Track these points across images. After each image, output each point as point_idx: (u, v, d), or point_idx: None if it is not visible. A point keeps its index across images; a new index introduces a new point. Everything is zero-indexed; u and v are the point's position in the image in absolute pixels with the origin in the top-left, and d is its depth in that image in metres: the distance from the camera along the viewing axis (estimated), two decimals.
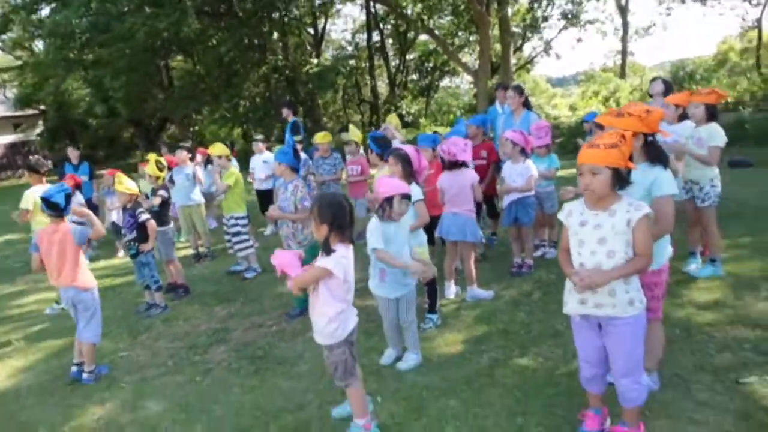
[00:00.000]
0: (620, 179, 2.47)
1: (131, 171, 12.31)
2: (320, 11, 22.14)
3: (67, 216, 4.02)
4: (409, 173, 4.11)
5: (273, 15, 17.17)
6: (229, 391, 3.68)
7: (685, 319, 3.94)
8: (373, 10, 23.24)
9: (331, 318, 2.83)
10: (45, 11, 16.32)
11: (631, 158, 2.55)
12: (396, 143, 6.36)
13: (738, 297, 4.22)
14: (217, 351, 4.35)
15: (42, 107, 29.01)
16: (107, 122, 27.68)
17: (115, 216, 8.02)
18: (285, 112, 9.29)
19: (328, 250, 2.77)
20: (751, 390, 3.00)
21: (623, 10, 20.24)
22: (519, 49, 23.57)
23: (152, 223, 5.15)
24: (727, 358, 3.36)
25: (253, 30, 17.24)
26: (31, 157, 5.92)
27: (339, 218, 2.80)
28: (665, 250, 2.92)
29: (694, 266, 4.85)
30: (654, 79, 6.21)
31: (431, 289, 4.32)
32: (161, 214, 5.74)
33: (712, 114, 4.49)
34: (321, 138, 6.85)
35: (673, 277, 4.70)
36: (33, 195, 5.53)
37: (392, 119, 7.71)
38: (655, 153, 2.86)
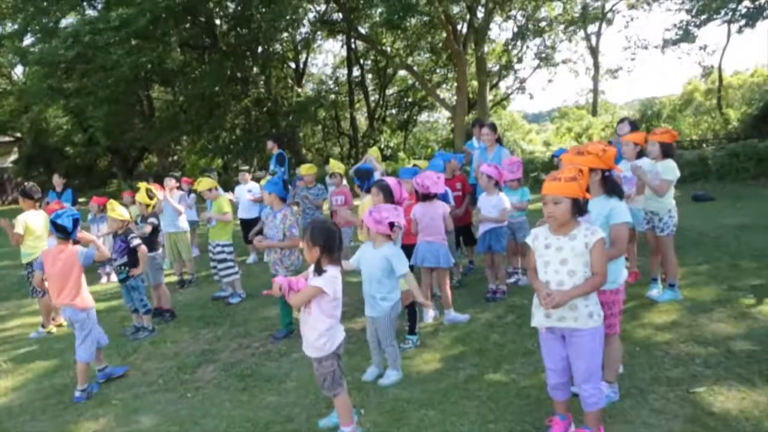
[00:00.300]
0: (578, 208, 2.85)
1: (114, 199, 12.38)
2: (302, 46, 22.78)
3: (73, 239, 4.25)
4: (390, 203, 4.46)
5: (256, 49, 17.64)
6: (219, 405, 3.89)
7: (645, 338, 4.30)
8: (353, 46, 24.02)
9: (321, 333, 3.12)
10: (28, 40, 16.62)
11: (588, 190, 2.95)
12: (377, 175, 6.76)
13: (693, 318, 4.61)
14: (206, 370, 4.56)
15: (18, 135, 28.90)
16: (85, 151, 27.66)
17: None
18: (270, 144, 9.67)
19: (320, 271, 3.07)
20: (699, 398, 3.35)
21: (594, 51, 21.32)
22: (495, 86, 24.46)
23: (143, 249, 5.37)
24: (680, 371, 3.71)
25: (235, 63, 17.71)
26: (25, 184, 6.16)
27: (330, 241, 3.12)
28: (621, 272, 3.29)
29: (655, 291, 5.24)
30: (621, 121, 6.79)
31: (411, 312, 4.63)
32: (151, 240, 5.96)
33: (666, 151, 4.96)
34: (306, 170, 7.18)
35: (637, 301, 5.13)
36: (25, 219, 5.75)
37: (374, 152, 8.10)
38: (610, 186, 3.25)
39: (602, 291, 3.06)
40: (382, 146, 24.61)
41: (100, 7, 17.62)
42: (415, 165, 6.82)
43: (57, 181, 9.14)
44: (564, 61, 23.66)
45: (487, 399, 3.58)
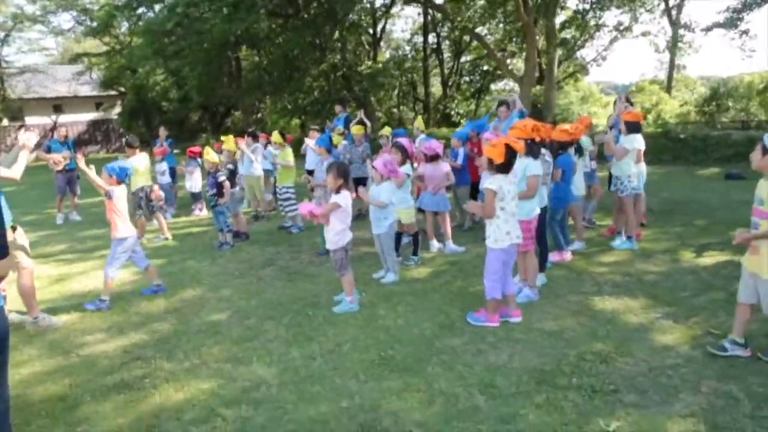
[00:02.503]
0: (491, 164, 4.49)
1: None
2: (380, 14, 24.40)
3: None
4: (405, 158, 6.27)
5: (335, 18, 19.54)
6: (273, 287, 5.95)
7: (584, 269, 5.91)
8: (430, 15, 25.30)
9: (336, 232, 5.02)
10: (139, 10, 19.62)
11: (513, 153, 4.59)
12: (421, 137, 8.60)
13: (631, 261, 6.13)
14: (267, 269, 6.64)
15: (122, 89, 32.80)
16: (179, 106, 31.04)
17: (187, 184, 10.57)
18: (338, 108, 11.63)
19: (339, 191, 4.95)
20: (590, 301, 4.98)
21: (674, 24, 21.35)
22: (570, 57, 24.96)
23: (227, 183, 7.51)
24: (593, 288, 5.32)
25: (315, 31, 19.72)
26: (127, 136, 8.47)
27: (345, 175, 5.02)
28: (534, 208, 4.93)
29: (617, 242, 6.73)
30: (619, 98, 8.11)
31: (415, 239, 6.46)
32: (231, 180, 8.10)
33: (630, 128, 6.39)
34: (356, 130, 9.04)
35: (602, 247, 6.67)
36: (131, 161, 8.05)
37: (418, 122, 9.80)
38: (531, 150, 4.88)
39: (520, 219, 4.73)
40: (452, 112, 26.07)
41: None
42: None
43: (162, 132, 11.58)
44: (644, 34, 23.78)
45: (450, 294, 5.38)
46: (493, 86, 30.72)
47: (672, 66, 22.52)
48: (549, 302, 5.04)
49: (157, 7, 20.52)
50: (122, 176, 5.69)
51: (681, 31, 21.34)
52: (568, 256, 6.29)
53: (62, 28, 31.63)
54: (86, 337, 4.89)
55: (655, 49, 23.60)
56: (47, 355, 4.57)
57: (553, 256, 6.21)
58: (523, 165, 4.88)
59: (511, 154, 4.45)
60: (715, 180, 11.40)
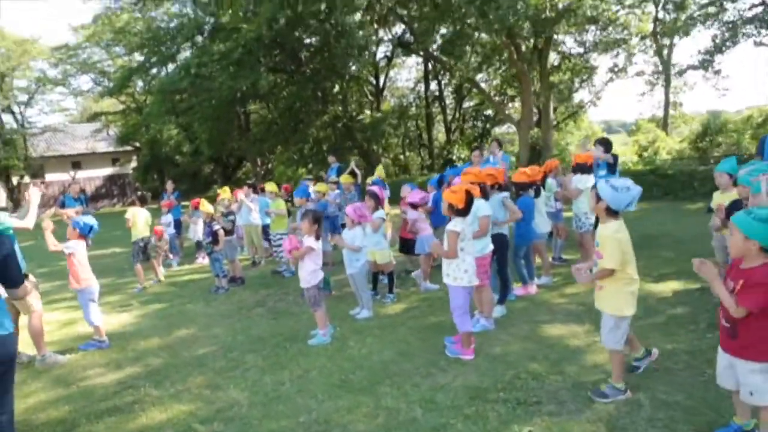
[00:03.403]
0: (451, 208, 5.14)
1: (211, 201, 15.81)
2: (382, 66, 25.71)
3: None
4: (377, 204, 6.96)
5: (335, 72, 20.77)
6: (259, 324, 6.57)
7: (545, 300, 6.43)
8: (431, 64, 26.56)
9: (309, 272, 5.67)
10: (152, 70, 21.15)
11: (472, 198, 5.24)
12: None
13: (592, 293, 6.62)
14: (257, 310, 7.28)
15: (137, 145, 34.44)
16: (191, 159, 32.48)
17: (192, 234, 11.37)
18: (331, 159, 12.53)
19: (314, 237, 5.63)
20: (542, 330, 5.50)
21: (666, 65, 22.22)
22: (568, 99, 25.87)
23: (221, 232, 8.25)
24: (547, 317, 5.84)
25: (316, 84, 20.94)
26: (139, 193, 9.38)
27: (319, 222, 5.70)
28: (487, 246, 5.53)
29: None
30: (596, 142, 8.76)
31: (390, 278, 7.07)
32: (229, 230, 8.86)
33: (579, 169, 7.04)
34: (344, 179, 9.80)
35: (567, 280, 7.21)
36: (132, 212, 8.98)
37: (379, 170, 10.61)
38: (481, 193, 5.52)
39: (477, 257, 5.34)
40: (454, 157, 26.96)
41: (206, 35, 21.59)
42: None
43: (169, 186, 12.49)
44: (638, 74, 24.70)
45: (415, 327, 5.95)
46: (497, 130, 31.82)
47: (667, 104, 23.27)
48: (503, 330, 5.58)
49: (170, 66, 22.07)
50: (85, 231, 6.17)
51: (673, 70, 22.24)
52: (532, 289, 6.84)
53: (81, 89, 33.63)
54: (87, 372, 5.53)
55: (649, 89, 24.44)
56: (51, 387, 5.22)
57: (518, 290, 6.78)
58: (475, 207, 5.51)
59: (470, 199, 5.08)
60: (698, 214, 11.87)
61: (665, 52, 22.62)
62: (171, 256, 11.21)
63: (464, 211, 4.90)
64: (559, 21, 17.11)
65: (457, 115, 29.52)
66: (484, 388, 4.31)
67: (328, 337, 5.74)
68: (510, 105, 27.53)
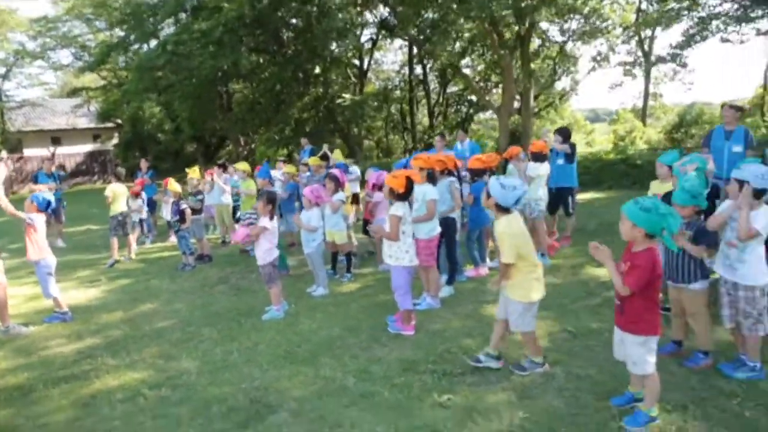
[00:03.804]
0: (392, 192, 5.44)
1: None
2: (367, 49, 25.80)
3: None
4: (337, 186, 7.25)
5: (317, 54, 20.85)
6: (220, 301, 6.89)
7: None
8: (415, 48, 26.67)
9: (264, 250, 5.97)
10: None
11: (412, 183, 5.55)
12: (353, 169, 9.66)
13: None
14: (219, 286, 7.60)
15: (119, 121, 34.26)
16: (173, 138, 32.41)
17: (164, 213, 11.58)
18: (303, 141, 12.77)
19: (269, 217, 5.92)
20: (485, 310, 5.86)
21: (647, 55, 22.54)
22: (549, 87, 26.13)
23: (188, 211, 8.52)
24: (490, 299, 6.20)
25: (298, 66, 21.03)
26: (117, 169, 9.57)
27: (274, 202, 5.98)
28: (434, 229, 5.85)
29: None
30: (555, 131, 9.08)
31: (348, 258, 7.39)
32: (197, 209, 9.11)
33: (533, 157, 7.37)
34: (313, 161, 10.05)
35: None
36: (111, 189, 9.17)
37: (337, 154, 10.94)
38: (429, 178, 5.83)
39: (421, 239, 5.67)
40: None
41: (189, 13, 21.54)
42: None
43: (143, 164, 12.67)
44: (620, 64, 24.99)
45: (366, 304, 6.30)
46: (481, 115, 32.11)
47: (646, 95, 23.64)
48: (448, 309, 5.93)
49: (152, 42, 22.02)
50: (42, 205, 6.43)
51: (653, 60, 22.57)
52: (483, 271, 7.20)
53: (61, 64, 33.24)
54: (48, 342, 5.82)
55: (631, 78, 24.73)
56: (12, 356, 5.50)
57: (469, 272, 7.14)
58: (423, 191, 5.83)
59: (410, 184, 5.39)
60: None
61: (646, 43, 22.92)
62: (146, 234, 11.43)
63: (404, 196, 5.21)
64: (539, 8, 17.30)
65: (441, 99, 29.72)
66: (416, 361, 4.66)
67: (281, 312, 6.07)
68: (494, 91, 27.76)
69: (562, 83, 27.43)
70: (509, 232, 4.11)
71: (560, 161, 8.33)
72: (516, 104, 23.49)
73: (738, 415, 3.58)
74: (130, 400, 4.36)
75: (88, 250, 11.22)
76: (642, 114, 23.60)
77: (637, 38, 22.81)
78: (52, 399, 4.48)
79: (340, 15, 18.39)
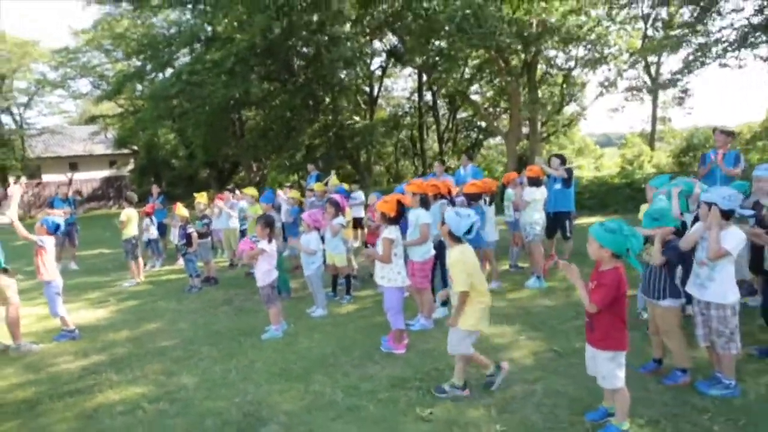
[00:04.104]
0: (385, 217, 5.68)
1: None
2: (377, 77, 26.40)
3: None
4: (337, 211, 7.52)
5: (326, 82, 21.43)
6: (222, 321, 7.13)
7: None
8: (425, 76, 27.21)
9: (263, 272, 6.22)
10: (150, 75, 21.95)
11: (403, 207, 5.80)
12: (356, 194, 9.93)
13: (532, 296, 7.17)
14: (223, 308, 7.84)
15: (135, 148, 35.11)
16: (187, 164, 33.11)
17: (173, 237, 11.92)
18: (310, 167, 13.12)
19: (267, 240, 6.19)
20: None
21: (654, 81, 22.76)
22: (558, 112, 26.40)
23: (195, 234, 8.83)
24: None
25: (308, 94, 21.59)
26: (127, 193, 9.95)
27: (272, 226, 6.26)
28: (429, 252, 6.08)
29: (530, 282, 7.79)
30: (551, 156, 9.32)
31: (347, 280, 7.62)
32: (204, 233, 9.42)
33: (530, 182, 7.59)
34: (317, 187, 10.37)
35: (516, 285, 7.74)
36: (126, 213, 9.51)
37: (333, 181, 11.25)
38: (422, 203, 6.08)
39: (415, 261, 5.90)
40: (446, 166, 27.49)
41: (202, 43, 22.28)
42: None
43: (154, 190, 13.09)
44: (628, 89, 25.23)
45: (363, 325, 6.50)
46: (491, 141, 32.43)
47: (654, 119, 23.81)
48: (440, 329, 6.10)
49: (168, 72, 22.78)
50: (52, 228, 6.81)
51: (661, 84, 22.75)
52: None
53: (81, 92, 34.34)
54: (56, 359, 6.09)
55: (639, 103, 24.88)
56: (21, 372, 5.78)
57: None
58: (416, 215, 6.07)
59: (401, 208, 5.64)
60: None
61: (653, 68, 23.17)
62: (155, 257, 11.75)
63: (396, 219, 5.46)
64: (542, 37, 17.68)
65: (450, 125, 30.13)
66: (405, 378, 4.85)
67: (280, 332, 6.30)
68: (503, 117, 28.11)
69: (571, 108, 27.79)
70: (462, 261, 4.29)
71: (558, 186, 8.55)
72: (524, 130, 23.85)
73: (707, 429, 3.73)
74: (130, 412, 4.59)
75: (99, 272, 11.56)
76: (650, 138, 23.73)
77: (643, 63, 23.09)
78: (57, 411, 4.73)
79: (348, 44, 18.89)
